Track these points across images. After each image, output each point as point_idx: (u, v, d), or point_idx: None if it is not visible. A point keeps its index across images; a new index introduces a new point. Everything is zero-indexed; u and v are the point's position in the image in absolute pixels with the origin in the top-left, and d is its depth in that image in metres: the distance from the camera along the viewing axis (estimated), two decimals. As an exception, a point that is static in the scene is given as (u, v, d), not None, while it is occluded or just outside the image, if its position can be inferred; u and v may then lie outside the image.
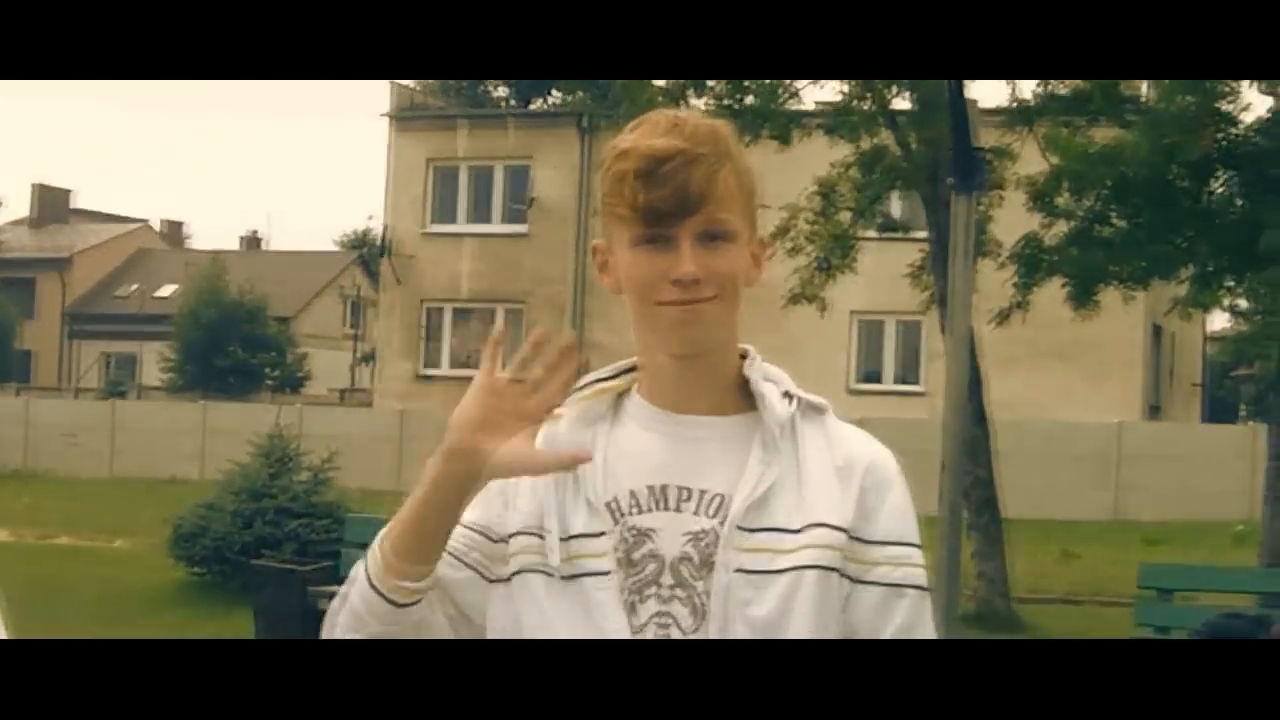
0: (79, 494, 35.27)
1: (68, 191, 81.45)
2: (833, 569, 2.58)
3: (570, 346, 2.55)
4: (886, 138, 20.55)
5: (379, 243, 48.08)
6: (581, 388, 2.74)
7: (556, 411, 2.68)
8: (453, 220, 44.13)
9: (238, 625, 16.66)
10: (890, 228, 23.19)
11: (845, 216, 21.30)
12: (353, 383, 63.40)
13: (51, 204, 79.15)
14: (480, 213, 44.08)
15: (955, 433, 10.89)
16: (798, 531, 2.58)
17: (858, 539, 2.61)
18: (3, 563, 21.42)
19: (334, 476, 20.68)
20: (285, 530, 18.88)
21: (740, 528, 2.58)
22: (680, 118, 2.62)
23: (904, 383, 39.68)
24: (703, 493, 2.62)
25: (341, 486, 21.44)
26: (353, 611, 2.62)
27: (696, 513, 2.62)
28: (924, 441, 17.92)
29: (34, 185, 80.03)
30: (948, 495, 10.65)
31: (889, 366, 40.34)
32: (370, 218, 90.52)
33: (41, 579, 20.66)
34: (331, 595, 10.45)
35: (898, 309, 34.77)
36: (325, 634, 2.67)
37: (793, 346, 29.36)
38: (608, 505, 2.63)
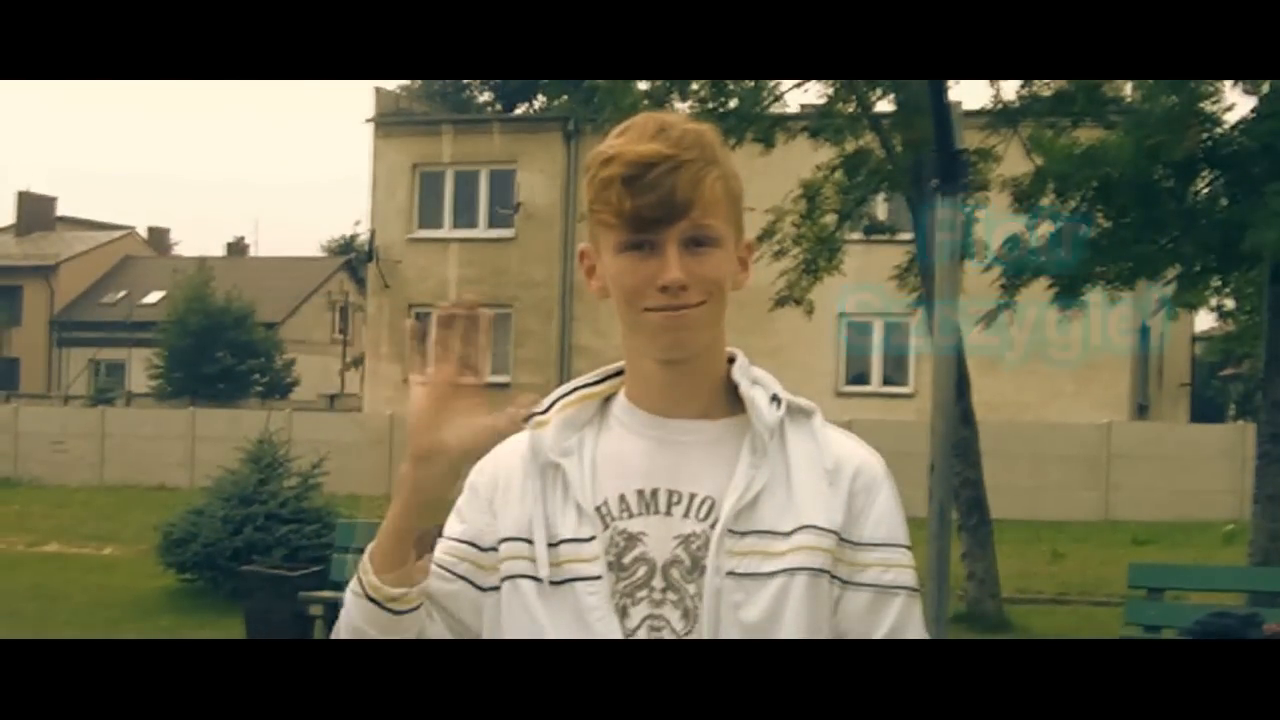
0: (68, 501, 35.19)
1: (52, 199, 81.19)
2: (823, 571, 2.60)
3: (472, 305, 2.58)
4: (870, 140, 20.54)
5: (365, 248, 47.98)
6: (568, 393, 2.76)
7: (541, 420, 2.70)
8: (439, 225, 44.05)
9: (228, 631, 16.65)
10: (876, 230, 23.19)
11: (830, 219, 21.30)
12: (341, 388, 63.32)
13: (36, 211, 78.83)
14: (466, 217, 44.00)
15: (943, 434, 10.87)
16: (787, 534, 2.60)
17: (847, 541, 2.62)
18: (-9, 571, 21.50)
19: (323, 481, 20.70)
20: (275, 536, 18.88)
21: (730, 531, 2.59)
22: (666, 121, 2.61)
23: (891, 384, 39.65)
24: (692, 496, 2.63)
25: (330, 491, 21.49)
26: (351, 626, 2.65)
27: (686, 516, 2.63)
28: (912, 443, 17.97)
29: (18, 193, 79.88)
30: (936, 496, 10.64)
31: (876, 368, 40.30)
32: (357, 223, 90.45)
33: (31, 586, 20.70)
34: (321, 600, 10.63)
35: (885, 311, 34.74)
36: None
37: (780, 349, 29.39)
38: (597, 510, 2.64)
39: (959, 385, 17.24)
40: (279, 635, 15.34)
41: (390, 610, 2.60)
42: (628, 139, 2.59)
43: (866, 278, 28.01)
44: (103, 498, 36.10)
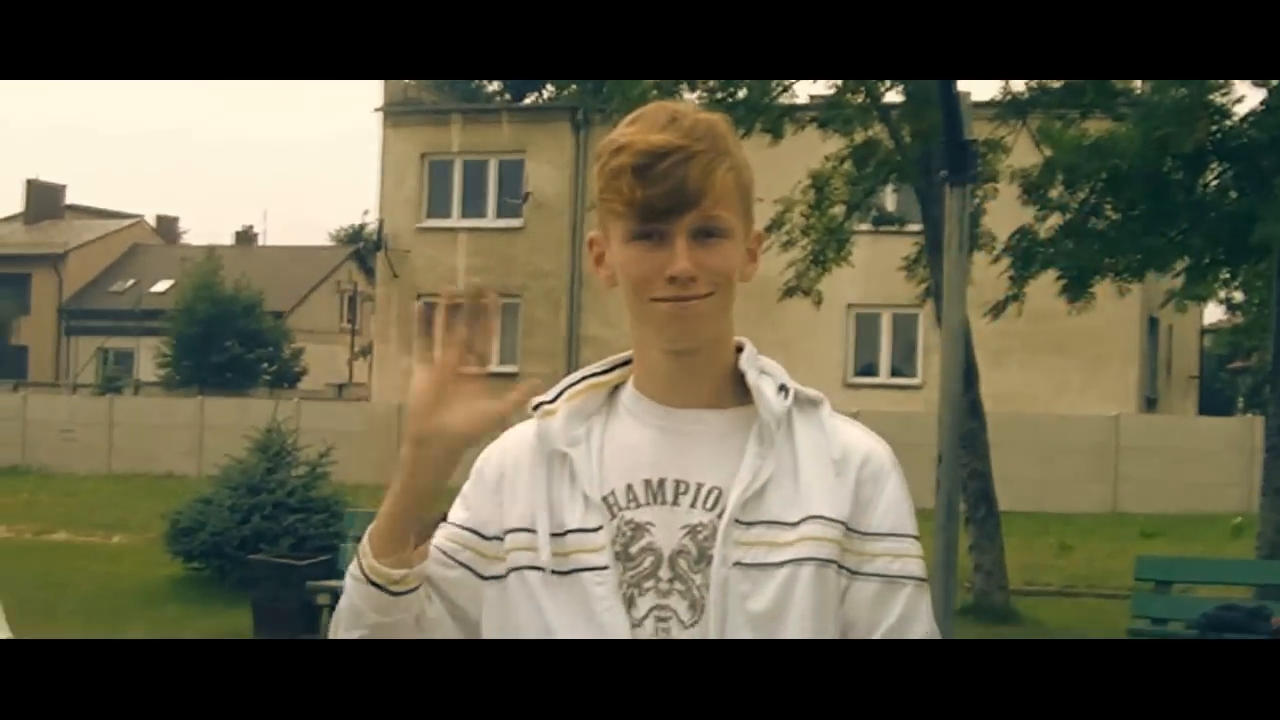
0: (76, 490, 35.25)
1: (61, 187, 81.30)
2: (830, 561, 2.58)
3: (479, 293, 2.59)
4: (879, 131, 20.54)
5: (374, 237, 47.99)
6: (576, 382, 2.76)
7: (549, 409, 2.70)
8: (447, 215, 44.06)
9: (235, 620, 16.67)
10: (885, 221, 23.19)
11: (839, 210, 21.30)
12: (350, 377, 63.36)
13: (45, 200, 78.94)
14: (475, 207, 44.01)
15: (951, 425, 10.86)
16: (794, 525, 2.58)
17: (855, 531, 2.61)
18: (0, 559, 21.46)
19: (331, 471, 20.71)
20: (283, 525, 18.91)
21: (737, 521, 2.58)
22: (677, 112, 2.61)
23: (900, 375, 39.65)
24: (699, 486, 2.63)
25: (339, 481, 21.50)
26: (351, 606, 2.64)
27: (693, 506, 2.62)
28: (920, 434, 17.99)
29: (27, 181, 79.94)
30: (944, 488, 10.63)
31: (885, 359, 40.29)
32: (365, 213, 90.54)
33: (39, 575, 20.71)
34: (329, 590, 10.67)
35: (893, 302, 34.78)
36: (331, 631, 2.70)
37: (788, 340, 29.37)
38: (604, 499, 2.63)
39: (967, 377, 17.21)
40: (286, 624, 15.37)
41: (388, 591, 2.59)
42: (639, 128, 2.59)
43: (875, 269, 28.05)
44: (111, 486, 36.15)
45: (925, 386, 36.39)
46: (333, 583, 15.11)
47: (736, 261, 2.63)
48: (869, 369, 40.12)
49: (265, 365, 59.42)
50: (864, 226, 22.94)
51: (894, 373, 40.00)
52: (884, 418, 25.85)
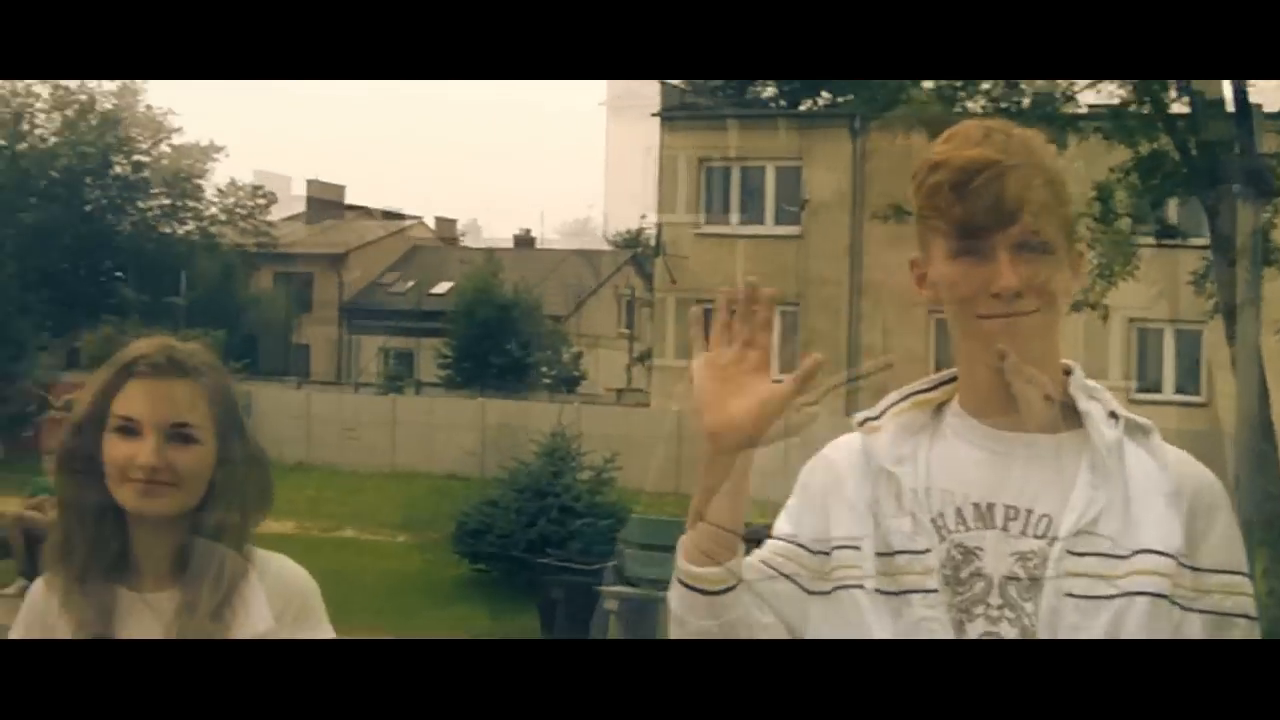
0: (360, 487, 35.74)
1: (341, 187, 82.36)
2: (1162, 596, 2.55)
3: (755, 291, 2.62)
4: (1165, 143, 20.15)
5: (652, 242, 48.12)
6: (901, 400, 2.77)
7: (874, 424, 2.71)
8: (724, 220, 44.02)
9: (522, 622, 16.81)
10: (1168, 234, 22.75)
11: (1125, 222, 20.93)
12: (629, 382, 63.48)
13: (326, 200, 79.99)
14: (752, 213, 43.90)
15: (1247, 446, 10.66)
16: (1126, 557, 2.56)
17: (1187, 566, 2.57)
18: (288, 554, 21.90)
19: (615, 477, 20.82)
20: (569, 529, 19.02)
21: (1070, 551, 2.56)
22: (992, 128, 2.62)
23: (1184, 393, 38.80)
24: (1029, 512, 2.60)
25: (621, 487, 21.57)
26: (673, 613, 2.65)
27: (1024, 533, 2.60)
28: (1206, 454, 17.58)
29: (308, 181, 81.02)
30: (1240, 511, 10.45)
31: (1169, 376, 39.46)
32: (643, 217, 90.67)
33: (329, 571, 20.97)
34: (618, 595, 10.70)
35: (1176, 317, 34.03)
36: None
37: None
38: (933, 521, 2.63)
39: (1259, 396, 16.84)
40: (574, 628, 15.45)
41: (701, 592, 2.59)
42: (954, 144, 2.61)
43: (1157, 282, 27.53)
44: (394, 485, 36.50)
45: (1211, 405, 35.58)
46: (622, 588, 15.13)
47: (1061, 277, 2.65)
48: (1152, 385, 39.31)
49: (545, 369, 59.77)
50: (1148, 239, 22.56)
51: (1179, 390, 39.15)
52: (1169, 436, 25.29)
